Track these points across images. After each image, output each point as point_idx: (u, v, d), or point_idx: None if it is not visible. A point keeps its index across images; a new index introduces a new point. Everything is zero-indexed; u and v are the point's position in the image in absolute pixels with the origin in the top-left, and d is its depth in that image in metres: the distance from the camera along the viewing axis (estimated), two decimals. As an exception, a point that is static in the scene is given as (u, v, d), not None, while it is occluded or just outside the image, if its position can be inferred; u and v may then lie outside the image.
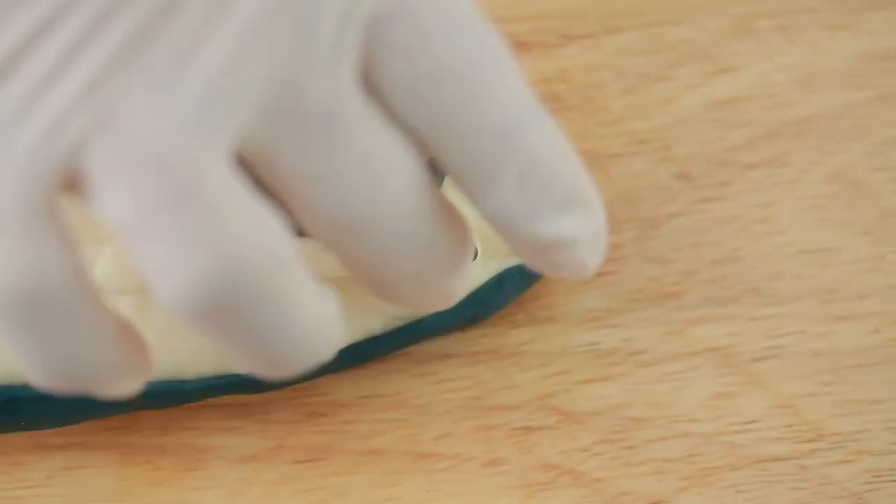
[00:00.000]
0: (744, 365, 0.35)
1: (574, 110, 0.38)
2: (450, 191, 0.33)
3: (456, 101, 0.25)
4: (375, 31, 0.25)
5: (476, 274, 0.34)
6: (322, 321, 0.24)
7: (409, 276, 0.26)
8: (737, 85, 0.38)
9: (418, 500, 0.33)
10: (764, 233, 0.36)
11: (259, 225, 0.23)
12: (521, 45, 0.39)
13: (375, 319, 0.33)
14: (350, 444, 0.34)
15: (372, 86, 0.25)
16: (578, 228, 0.26)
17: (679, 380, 0.35)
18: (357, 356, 0.34)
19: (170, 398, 0.33)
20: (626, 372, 0.35)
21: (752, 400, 0.34)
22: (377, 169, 0.25)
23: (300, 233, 0.30)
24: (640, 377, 0.35)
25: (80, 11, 0.23)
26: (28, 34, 0.24)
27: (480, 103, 0.25)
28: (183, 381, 0.32)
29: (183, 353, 0.32)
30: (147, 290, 0.29)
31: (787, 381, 0.35)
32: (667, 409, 0.34)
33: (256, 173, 0.30)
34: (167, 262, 0.23)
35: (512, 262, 0.34)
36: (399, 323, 0.34)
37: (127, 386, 0.25)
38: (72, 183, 0.24)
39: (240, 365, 0.25)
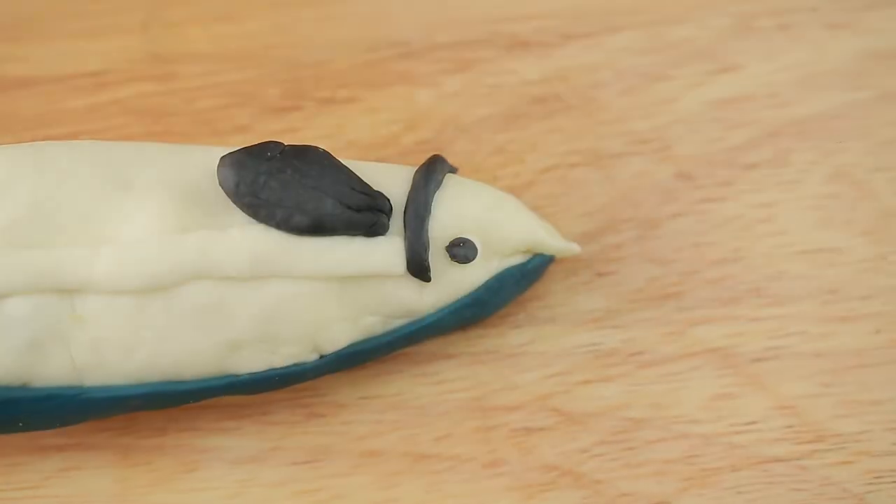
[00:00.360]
0: (744, 366, 0.35)
1: (574, 110, 0.38)
2: (456, 181, 0.33)
3: None
4: None
5: (476, 274, 0.33)
6: None
7: None
8: (738, 84, 0.38)
9: (417, 501, 0.33)
10: (765, 233, 0.36)
11: None
12: (521, 45, 0.39)
13: (374, 319, 0.33)
14: (349, 445, 0.34)
15: None
16: None
17: (679, 380, 0.34)
18: (356, 356, 0.33)
19: (168, 399, 0.32)
20: (626, 373, 0.35)
21: (753, 401, 0.34)
22: None
23: (305, 230, 0.31)
24: (641, 378, 0.34)
25: None
26: None
27: None
28: (181, 382, 0.32)
29: (181, 354, 0.32)
30: (149, 288, 0.31)
31: (788, 381, 0.34)
32: (667, 409, 0.34)
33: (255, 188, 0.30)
34: None
35: (512, 261, 0.34)
36: (398, 323, 0.33)
37: None
38: None
39: None
